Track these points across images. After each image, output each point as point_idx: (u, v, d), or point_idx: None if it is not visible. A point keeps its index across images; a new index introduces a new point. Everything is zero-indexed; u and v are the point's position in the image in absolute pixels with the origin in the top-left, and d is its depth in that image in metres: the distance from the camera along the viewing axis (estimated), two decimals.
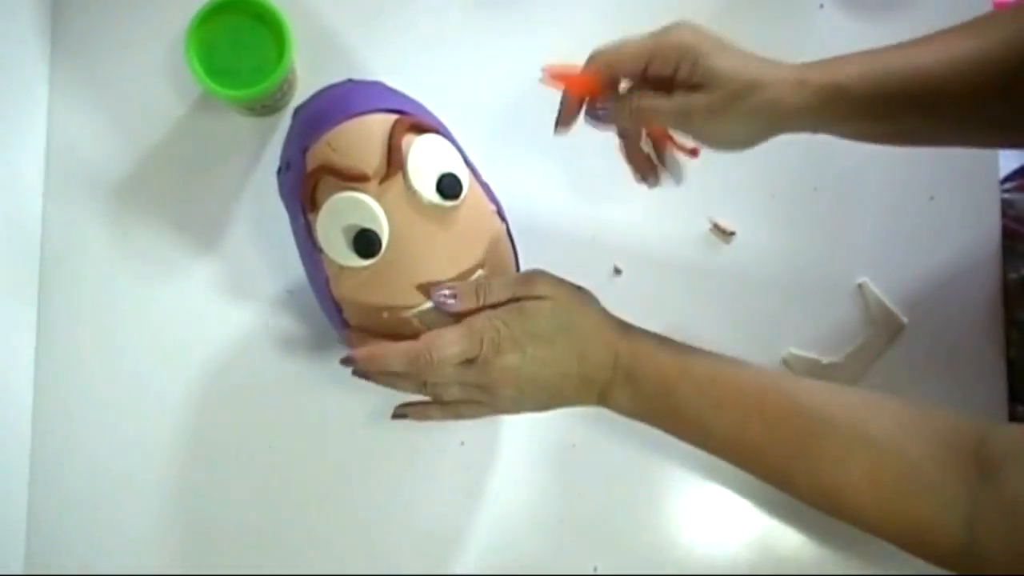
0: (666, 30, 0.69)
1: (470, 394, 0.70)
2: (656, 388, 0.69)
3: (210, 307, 0.81)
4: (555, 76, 0.72)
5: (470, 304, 0.69)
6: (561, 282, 0.71)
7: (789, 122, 0.68)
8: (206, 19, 0.75)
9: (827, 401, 0.67)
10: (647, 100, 0.69)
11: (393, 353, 0.67)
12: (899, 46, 0.69)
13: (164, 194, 0.82)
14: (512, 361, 0.68)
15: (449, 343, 0.67)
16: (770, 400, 0.67)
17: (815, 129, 0.69)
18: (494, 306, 0.69)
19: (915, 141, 0.73)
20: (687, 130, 0.70)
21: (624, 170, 0.84)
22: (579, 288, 0.71)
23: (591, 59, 0.71)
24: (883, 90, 0.67)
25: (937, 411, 0.66)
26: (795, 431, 0.66)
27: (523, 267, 0.76)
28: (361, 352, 0.69)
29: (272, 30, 0.76)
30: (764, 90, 0.66)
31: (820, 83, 0.67)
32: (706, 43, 0.67)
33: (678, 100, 0.68)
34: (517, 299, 0.69)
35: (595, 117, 0.73)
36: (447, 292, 0.69)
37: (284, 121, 0.77)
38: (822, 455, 0.65)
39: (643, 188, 0.84)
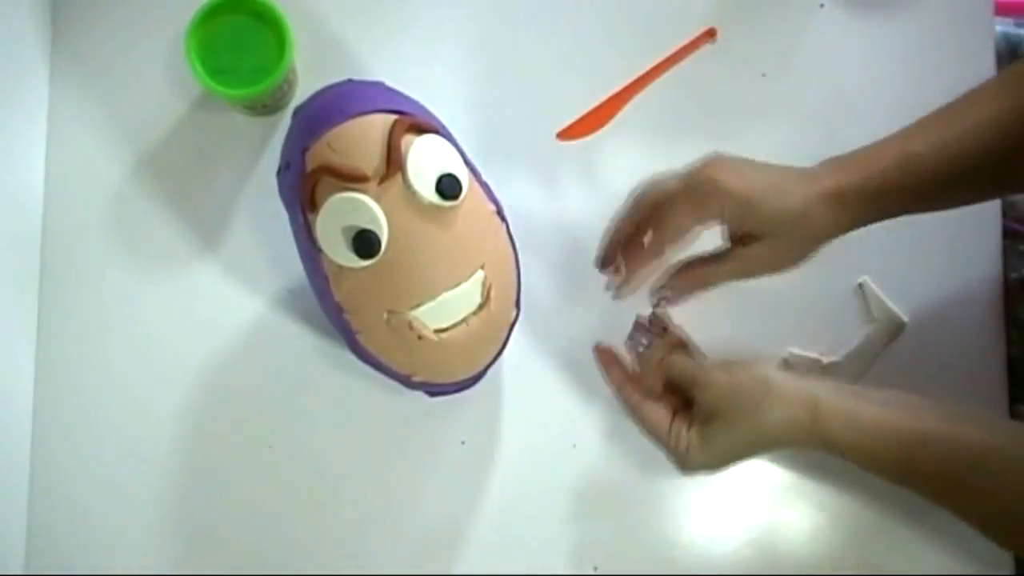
0: (697, 172, 0.71)
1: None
2: (854, 460, 0.69)
3: (210, 306, 0.81)
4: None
5: (656, 358, 0.75)
6: (734, 389, 0.70)
7: (835, 235, 0.71)
8: (206, 19, 0.75)
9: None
10: (709, 272, 0.74)
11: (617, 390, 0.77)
12: (924, 125, 0.71)
13: (164, 194, 0.82)
14: (704, 471, 0.73)
15: (648, 429, 0.74)
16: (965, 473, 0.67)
17: (853, 228, 0.72)
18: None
19: (951, 207, 0.74)
20: (746, 279, 0.74)
21: (625, 169, 0.85)
22: (753, 382, 0.70)
23: (636, 198, 0.74)
24: (916, 179, 0.69)
25: None
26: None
27: (523, 268, 0.76)
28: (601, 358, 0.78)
29: (272, 30, 0.76)
30: (809, 220, 0.69)
31: (856, 191, 0.69)
32: (743, 185, 0.69)
33: (737, 264, 0.73)
34: (689, 398, 0.72)
35: (636, 348, 0.78)
36: (645, 341, 0.77)
37: (284, 121, 0.77)
38: None
39: None
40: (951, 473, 0.66)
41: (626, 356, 0.78)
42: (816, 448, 0.69)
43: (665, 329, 0.77)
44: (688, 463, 0.72)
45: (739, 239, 0.72)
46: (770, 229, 0.70)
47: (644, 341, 0.77)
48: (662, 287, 0.76)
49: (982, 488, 0.66)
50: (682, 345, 0.76)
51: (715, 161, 0.71)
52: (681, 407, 0.73)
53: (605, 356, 0.78)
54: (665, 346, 0.76)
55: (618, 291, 0.79)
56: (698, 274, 0.74)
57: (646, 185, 0.74)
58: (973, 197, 0.75)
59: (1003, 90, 0.70)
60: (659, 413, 0.73)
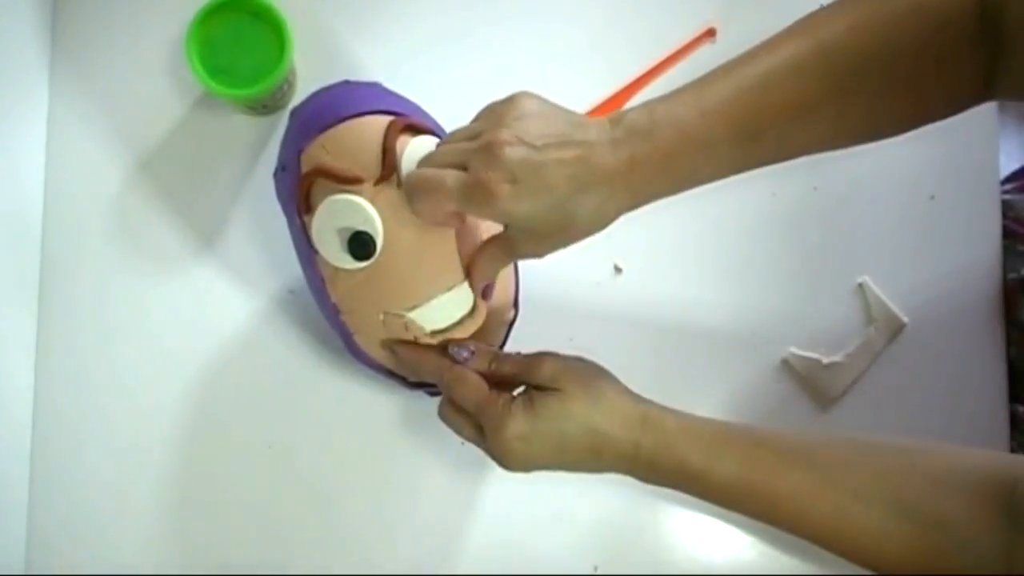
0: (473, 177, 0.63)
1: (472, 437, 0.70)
2: (680, 479, 0.68)
3: (211, 306, 0.81)
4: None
5: (481, 367, 0.69)
6: (570, 367, 0.68)
7: (626, 209, 0.65)
8: (206, 18, 0.75)
9: (862, 471, 0.66)
10: (499, 255, 0.69)
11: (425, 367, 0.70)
12: (717, 75, 0.66)
13: (164, 194, 0.82)
14: (519, 450, 0.67)
15: (459, 425, 0.70)
16: (802, 488, 0.66)
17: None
18: (504, 378, 0.69)
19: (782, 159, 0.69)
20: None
21: None
22: (591, 369, 0.69)
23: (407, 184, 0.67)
24: (709, 139, 0.64)
25: (968, 458, 0.66)
26: (833, 509, 0.65)
27: (522, 268, 0.76)
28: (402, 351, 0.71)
29: (272, 29, 0.76)
30: (587, 219, 0.64)
31: (648, 167, 0.63)
32: (518, 213, 0.62)
33: (503, 249, 0.68)
34: (525, 384, 0.69)
35: (459, 358, 0.71)
36: (466, 353, 0.70)
37: (284, 121, 0.76)
38: (861, 530, 0.65)
39: None
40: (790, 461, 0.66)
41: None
42: (645, 456, 0.66)
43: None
44: (506, 436, 0.66)
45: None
46: (553, 233, 0.64)
47: (465, 353, 0.70)
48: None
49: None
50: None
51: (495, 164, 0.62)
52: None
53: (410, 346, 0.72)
54: (489, 353, 0.71)
55: None
56: (490, 255, 0.69)
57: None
58: (772, 155, 0.68)
59: (801, 32, 0.66)
60: (482, 384, 0.68)
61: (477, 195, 0.62)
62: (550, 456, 0.67)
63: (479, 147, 0.62)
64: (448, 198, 0.63)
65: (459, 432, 0.70)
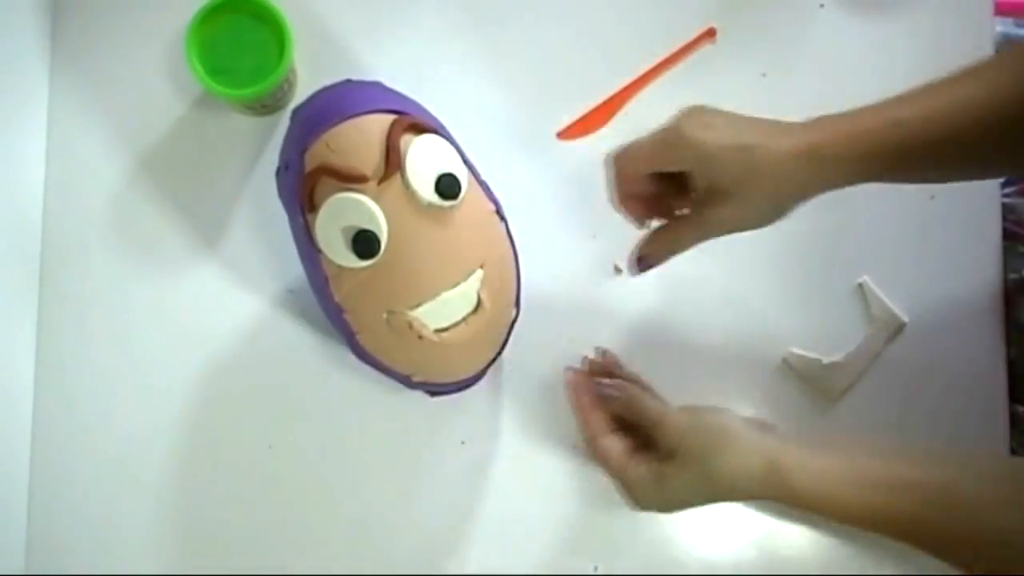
0: (670, 124, 0.69)
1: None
2: (819, 512, 0.69)
3: (210, 306, 0.81)
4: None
5: (619, 411, 0.75)
6: (689, 435, 0.70)
7: (808, 195, 0.68)
8: (206, 19, 0.75)
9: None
10: (673, 236, 0.71)
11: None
12: (916, 93, 0.68)
13: (164, 194, 0.81)
14: (652, 508, 0.72)
15: (604, 460, 0.74)
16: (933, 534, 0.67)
17: (830, 189, 0.68)
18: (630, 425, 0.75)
19: (926, 182, 0.74)
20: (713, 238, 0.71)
21: None
22: (712, 432, 0.70)
23: (607, 164, 0.73)
24: (899, 146, 0.66)
25: None
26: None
27: (523, 268, 0.76)
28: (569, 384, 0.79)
29: (272, 30, 0.76)
30: (778, 177, 0.66)
31: (835, 150, 0.66)
32: (710, 138, 0.66)
33: (701, 225, 0.70)
34: (652, 438, 0.72)
35: (606, 393, 0.77)
36: (613, 388, 0.76)
37: (284, 121, 0.77)
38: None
39: None
40: (926, 519, 0.65)
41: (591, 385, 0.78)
42: (776, 500, 0.68)
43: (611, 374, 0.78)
44: (640, 499, 0.72)
45: (704, 198, 0.68)
46: (734, 188, 0.66)
47: (606, 381, 0.77)
48: (639, 256, 0.73)
49: (959, 531, 0.65)
50: (642, 386, 0.77)
51: (688, 112, 0.69)
52: (641, 446, 0.73)
53: (576, 381, 0.78)
54: (628, 386, 0.76)
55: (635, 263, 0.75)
56: (664, 239, 0.72)
57: (617, 148, 0.72)
58: (959, 173, 0.72)
59: (1002, 66, 0.68)
60: (617, 446, 0.74)
61: (670, 135, 0.67)
62: (685, 507, 0.71)
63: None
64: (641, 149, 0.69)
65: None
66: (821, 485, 0.67)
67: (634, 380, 0.78)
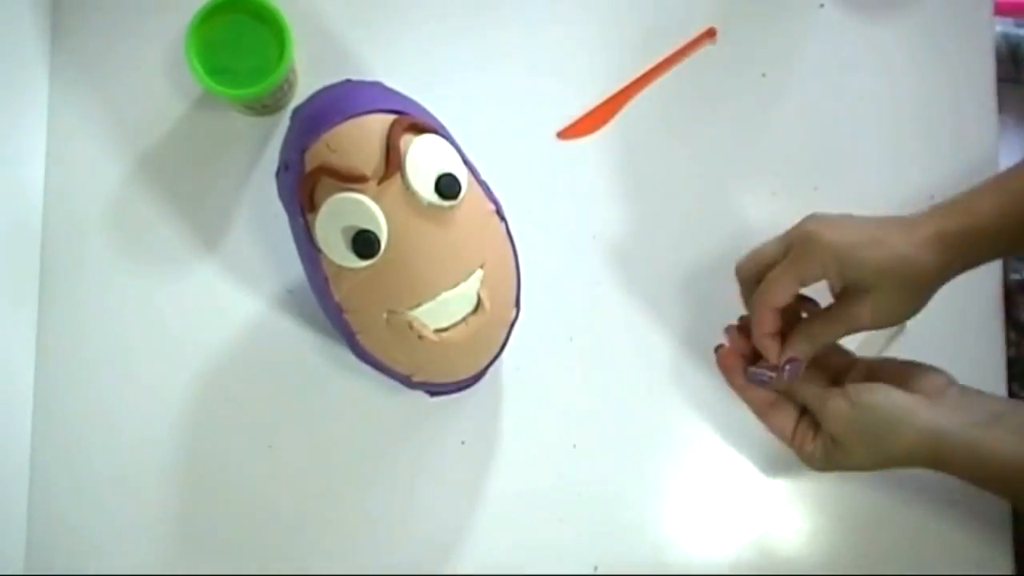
0: (795, 237, 0.71)
1: None
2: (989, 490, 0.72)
3: (210, 306, 0.81)
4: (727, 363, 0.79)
5: (780, 387, 0.76)
6: (854, 425, 0.71)
7: (942, 281, 0.71)
8: (206, 19, 0.75)
9: None
10: (820, 335, 0.73)
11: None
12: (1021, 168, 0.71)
13: (164, 194, 0.82)
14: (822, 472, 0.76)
15: (773, 432, 0.77)
16: None
17: (962, 272, 0.72)
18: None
19: None
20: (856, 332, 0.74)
21: (625, 168, 0.84)
22: (879, 423, 0.71)
23: (738, 275, 0.76)
24: (1014, 222, 0.69)
25: None
26: None
27: (523, 268, 0.76)
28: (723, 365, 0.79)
29: (272, 30, 0.76)
30: (912, 268, 0.69)
31: (957, 234, 0.69)
32: (842, 237, 0.69)
33: (844, 322, 0.72)
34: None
35: (759, 380, 0.77)
36: (765, 377, 0.75)
37: (284, 121, 0.76)
38: None
39: (642, 187, 0.84)
40: None
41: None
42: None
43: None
44: (814, 468, 0.75)
45: (844, 295, 0.72)
46: (874, 281, 0.69)
47: (756, 370, 0.76)
48: (788, 359, 0.74)
49: None
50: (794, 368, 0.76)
51: (812, 218, 0.71)
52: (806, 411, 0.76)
53: (728, 362, 0.78)
54: (776, 377, 0.75)
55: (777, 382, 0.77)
56: (810, 334, 0.73)
57: (743, 258, 0.75)
58: None
59: None
60: (784, 419, 0.76)
61: (803, 245, 0.70)
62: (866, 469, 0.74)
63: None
64: (782, 275, 0.71)
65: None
66: (980, 472, 0.69)
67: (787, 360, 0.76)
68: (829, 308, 0.74)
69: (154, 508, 0.79)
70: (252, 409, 0.81)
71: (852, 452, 0.72)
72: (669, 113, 0.85)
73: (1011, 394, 0.84)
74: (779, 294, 0.72)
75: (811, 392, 0.74)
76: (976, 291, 0.84)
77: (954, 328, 0.84)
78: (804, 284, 0.72)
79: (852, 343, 0.84)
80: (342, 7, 0.84)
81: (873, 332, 0.83)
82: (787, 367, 0.73)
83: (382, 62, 0.84)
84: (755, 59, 0.86)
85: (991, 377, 0.84)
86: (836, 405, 0.72)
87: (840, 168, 0.86)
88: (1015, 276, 0.85)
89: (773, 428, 0.77)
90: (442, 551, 0.81)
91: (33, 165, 0.81)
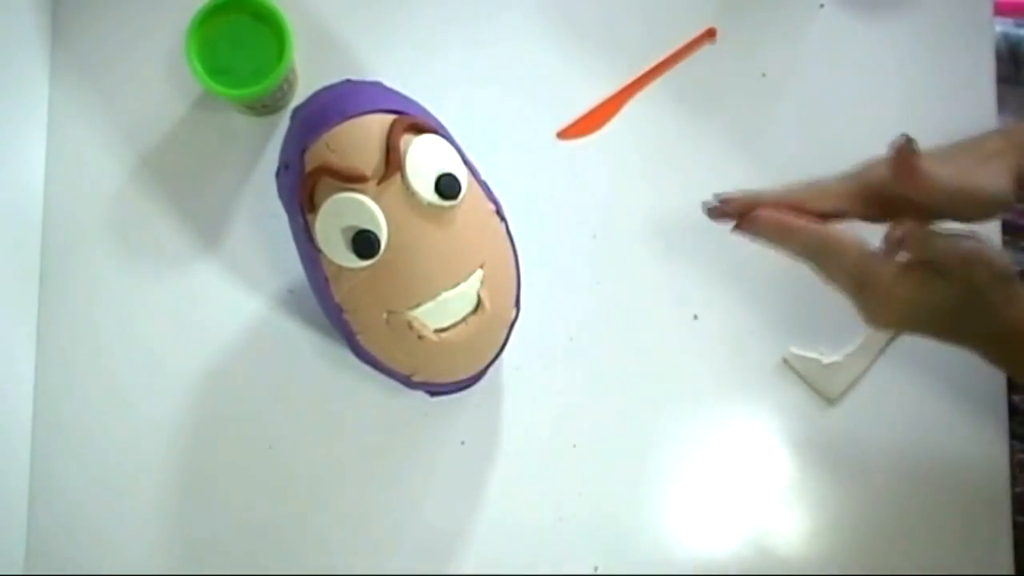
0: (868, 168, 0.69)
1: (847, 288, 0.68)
2: None
3: (211, 306, 0.81)
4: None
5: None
6: (983, 261, 0.65)
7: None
8: (206, 19, 0.75)
9: None
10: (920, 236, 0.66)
11: (797, 238, 0.68)
12: None
13: (164, 194, 0.82)
14: (898, 316, 0.68)
15: (838, 249, 0.67)
16: None
17: None
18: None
19: None
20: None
21: (625, 168, 0.84)
22: (1006, 269, 0.65)
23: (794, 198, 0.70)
24: None
25: None
26: None
27: (523, 268, 0.76)
28: (768, 215, 0.69)
29: (272, 29, 0.76)
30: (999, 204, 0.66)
31: None
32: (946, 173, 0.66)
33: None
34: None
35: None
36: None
37: (284, 121, 0.77)
38: None
39: (642, 187, 0.84)
40: None
41: None
42: None
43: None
44: (881, 299, 0.66)
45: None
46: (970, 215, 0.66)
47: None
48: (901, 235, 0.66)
49: None
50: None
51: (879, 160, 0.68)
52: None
53: (774, 212, 0.69)
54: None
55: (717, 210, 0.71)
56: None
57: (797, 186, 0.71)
58: None
59: None
60: (863, 247, 0.67)
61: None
62: (933, 329, 0.68)
63: None
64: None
65: (831, 275, 0.69)
66: None
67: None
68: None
69: (154, 508, 0.79)
70: (252, 409, 0.81)
71: (956, 286, 0.64)
72: (669, 113, 0.85)
73: (1011, 390, 0.84)
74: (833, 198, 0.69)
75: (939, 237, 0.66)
76: None
77: None
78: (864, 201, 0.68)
79: (851, 344, 0.84)
80: (342, 7, 0.84)
81: (872, 333, 0.84)
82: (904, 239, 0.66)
83: (382, 62, 0.84)
84: (755, 59, 0.86)
85: (991, 377, 0.84)
86: (947, 240, 0.65)
87: (840, 168, 0.85)
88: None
89: (839, 240, 0.67)
90: (442, 551, 0.81)
91: (33, 165, 0.81)
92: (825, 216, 0.69)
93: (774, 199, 0.70)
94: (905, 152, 0.64)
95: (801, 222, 0.68)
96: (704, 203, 0.72)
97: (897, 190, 0.66)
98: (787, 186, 0.71)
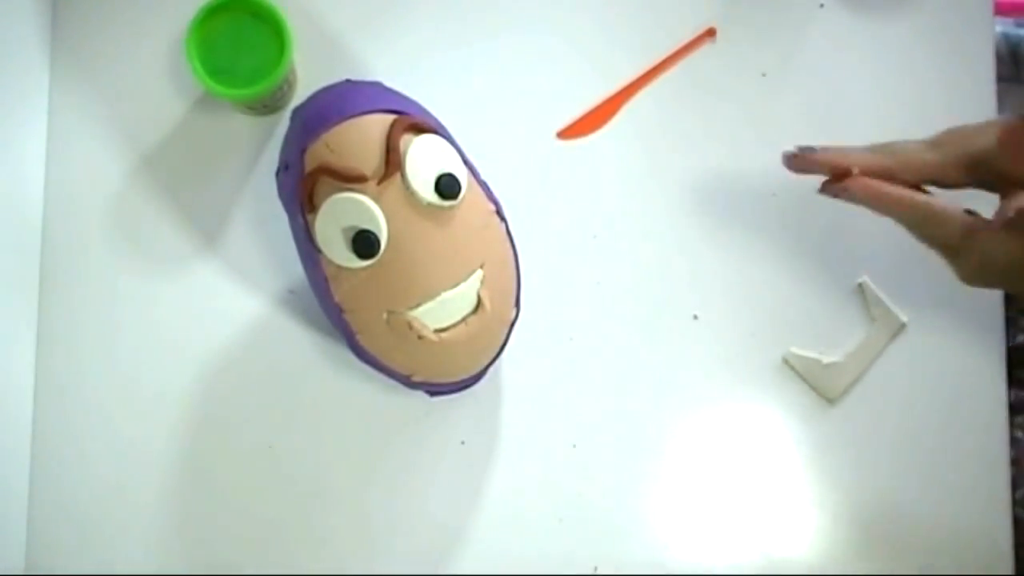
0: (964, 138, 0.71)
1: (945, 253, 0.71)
2: None
3: (211, 306, 0.81)
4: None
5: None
6: None
7: None
8: (206, 19, 0.75)
9: None
10: None
11: (898, 208, 0.71)
12: None
13: (164, 194, 0.82)
14: (994, 276, 0.70)
15: (938, 234, 0.70)
16: None
17: None
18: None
19: None
20: None
21: (625, 168, 0.84)
22: None
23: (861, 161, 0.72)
24: None
25: None
26: None
27: (523, 268, 0.76)
28: (864, 184, 0.72)
29: (272, 29, 0.76)
30: None
31: None
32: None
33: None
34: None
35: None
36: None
37: (284, 121, 0.77)
38: None
39: (642, 187, 0.84)
40: None
41: None
42: None
43: None
44: (980, 259, 0.69)
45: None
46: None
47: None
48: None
49: None
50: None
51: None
52: None
53: (870, 184, 0.72)
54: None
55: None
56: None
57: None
58: None
59: None
60: (964, 218, 0.70)
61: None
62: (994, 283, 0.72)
63: None
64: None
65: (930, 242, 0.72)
66: None
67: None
68: None
69: (154, 508, 0.79)
70: (252, 409, 0.81)
71: None
72: (669, 113, 0.85)
73: (1011, 384, 0.84)
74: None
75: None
76: (976, 291, 0.84)
77: (954, 328, 0.84)
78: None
79: (852, 343, 0.84)
80: (342, 7, 0.84)
81: (873, 332, 0.84)
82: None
83: (382, 62, 0.84)
84: (755, 59, 0.86)
85: (991, 377, 0.84)
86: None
87: None
88: None
89: (948, 217, 0.69)
90: (442, 551, 0.81)
91: (33, 165, 0.81)
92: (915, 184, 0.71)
93: (862, 162, 0.72)
94: (1019, 128, 0.67)
95: (899, 192, 0.71)
96: (784, 153, 0.74)
97: (1005, 164, 0.68)
98: (870, 148, 0.73)
